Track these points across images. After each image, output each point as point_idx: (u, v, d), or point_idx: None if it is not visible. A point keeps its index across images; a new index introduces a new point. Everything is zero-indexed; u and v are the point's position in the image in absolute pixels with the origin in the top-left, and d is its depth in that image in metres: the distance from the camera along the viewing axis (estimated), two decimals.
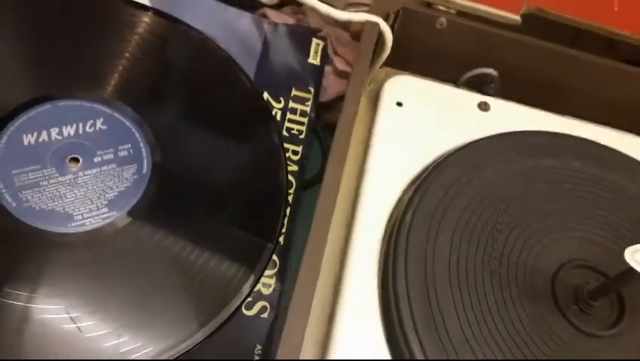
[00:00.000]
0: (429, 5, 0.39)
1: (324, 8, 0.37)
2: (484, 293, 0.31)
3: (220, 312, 0.34)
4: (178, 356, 0.31)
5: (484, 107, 0.40)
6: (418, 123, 0.38)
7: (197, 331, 0.33)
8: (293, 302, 0.24)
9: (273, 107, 0.46)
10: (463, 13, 0.39)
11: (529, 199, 0.34)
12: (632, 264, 0.25)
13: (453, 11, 0.39)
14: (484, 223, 0.33)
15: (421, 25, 0.39)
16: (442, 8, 0.39)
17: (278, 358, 0.23)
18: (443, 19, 0.39)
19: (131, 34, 0.41)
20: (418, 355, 0.28)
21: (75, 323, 0.32)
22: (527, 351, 0.29)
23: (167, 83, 0.42)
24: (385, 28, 0.37)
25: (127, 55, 0.41)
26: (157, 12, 0.42)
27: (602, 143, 0.38)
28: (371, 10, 0.38)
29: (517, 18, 0.39)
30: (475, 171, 0.35)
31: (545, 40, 0.41)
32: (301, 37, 0.49)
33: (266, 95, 0.46)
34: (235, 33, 0.48)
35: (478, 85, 0.42)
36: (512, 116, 0.40)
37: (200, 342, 0.32)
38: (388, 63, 0.43)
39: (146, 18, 0.42)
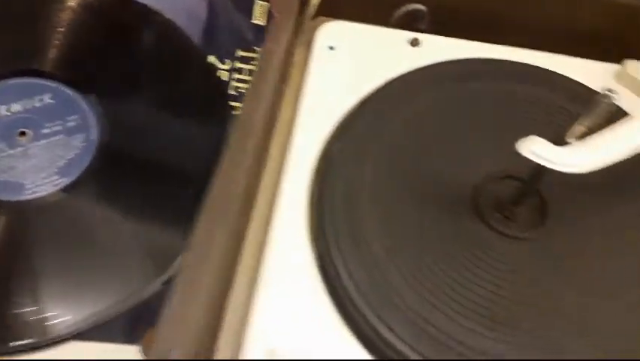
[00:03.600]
0: None
1: None
2: (406, 211, 0.32)
3: (157, 278, 0.35)
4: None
5: (415, 43, 0.41)
6: (351, 64, 0.39)
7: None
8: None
9: (218, 69, 0.47)
10: None
11: (454, 122, 0.35)
12: (526, 154, 0.26)
13: None
14: (409, 148, 0.34)
15: None
16: None
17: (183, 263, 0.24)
18: None
19: (72, 7, 0.43)
20: (343, 272, 0.29)
21: None
22: (452, 260, 0.30)
23: (111, 54, 0.44)
24: None
25: (69, 29, 0.43)
26: None
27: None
28: None
29: None
30: (401, 102, 0.36)
31: None
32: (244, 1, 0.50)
33: (213, 59, 0.47)
34: (179, 1, 0.49)
35: (410, 23, 0.43)
36: (443, 49, 0.40)
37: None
38: (325, 14, 0.44)
39: None
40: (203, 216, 0.26)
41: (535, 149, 0.26)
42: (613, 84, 0.39)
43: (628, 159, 0.30)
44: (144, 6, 0.45)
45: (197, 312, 0.25)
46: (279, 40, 0.34)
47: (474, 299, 0.29)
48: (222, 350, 0.29)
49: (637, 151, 0.27)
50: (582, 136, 0.26)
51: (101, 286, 0.35)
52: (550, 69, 0.38)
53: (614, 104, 0.26)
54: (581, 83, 0.38)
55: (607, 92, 0.24)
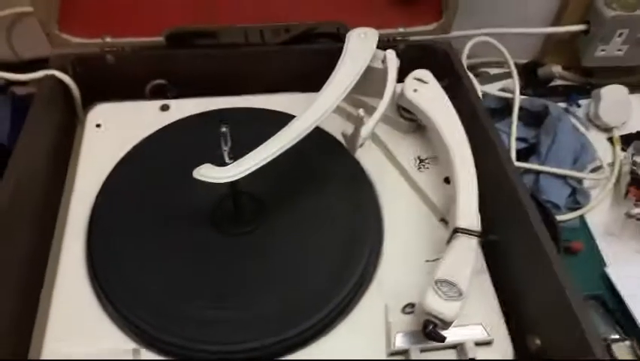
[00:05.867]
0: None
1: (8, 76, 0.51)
2: (154, 235, 0.44)
3: None
4: None
5: (164, 108, 0.54)
6: (114, 135, 0.52)
7: None
8: None
9: None
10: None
11: (189, 163, 0.47)
12: (196, 176, 0.39)
13: (115, 48, 0.54)
14: (154, 190, 0.47)
15: (96, 65, 0.54)
16: (107, 48, 0.53)
17: None
18: (110, 57, 0.53)
19: None
20: (107, 289, 0.41)
21: None
22: (189, 261, 0.43)
23: None
24: (61, 74, 0.51)
25: None
26: None
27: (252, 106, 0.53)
28: (50, 66, 0.51)
29: (162, 39, 0.54)
30: (145, 156, 0.49)
31: None
32: None
33: None
34: None
35: (162, 93, 0.56)
36: (187, 109, 0.54)
37: None
38: (103, 99, 0.56)
39: None
40: None
41: (202, 172, 0.39)
42: None
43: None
44: None
45: None
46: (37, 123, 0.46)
47: (205, 284, 0.42)
48: None
49: (275, 155, 0.41)
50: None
51: None
52: (256, 107, 0.53)
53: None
54: (277, 112, 0.53)
55: (223, 129, 0.39)
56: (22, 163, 0.44)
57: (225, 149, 0.40)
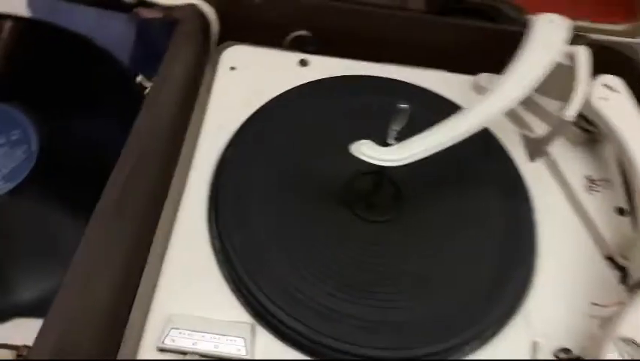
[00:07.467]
0: None
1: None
2: (286, 203, 0.40)
3: None
4: None
5: (304, 63, 0.49)
6: (249, 82, 0.47)
7: None
8: None
9: (145, 87, 0.54)
10: None
11: (326, 128, 0.43)
12: (355, 153, 0.34)
13: None
14: (289, 152, 0.42)
15: (240, 2, 0.49)
16: None
17: None
18: None
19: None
20: (232, 253, 0.37)
21: None
22: (320, 240, 0.38)
23: (49, 77, 0.51)
24: (204, 5, 0.46)
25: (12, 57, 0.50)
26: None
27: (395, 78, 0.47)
28: None
29: None
30: (286, 114, 0.44)
31: None
32: (168, 26, 0.58)
33: (140, 77, 0.55)
34: (110, 31, 0.57)
35: (300, 46, 0.51)
36: (327, 68, 0.49)
37: None
38: (233, 38, 0.52)
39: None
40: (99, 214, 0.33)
41: (362, 149, 0.34)
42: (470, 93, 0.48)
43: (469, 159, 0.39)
44: (76, 35, 0.52)
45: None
46: (169, 66, 0.42)
47: (333, 269, 0.37)
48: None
49: (446, 145, 0.35)
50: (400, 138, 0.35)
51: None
52: (409, 82, 0.47)
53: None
54: (433, 93, 0.46)
55: (403, 105, 0.33)
56: (160, 99, 0.40)
57: (396, 128, 0.34)
